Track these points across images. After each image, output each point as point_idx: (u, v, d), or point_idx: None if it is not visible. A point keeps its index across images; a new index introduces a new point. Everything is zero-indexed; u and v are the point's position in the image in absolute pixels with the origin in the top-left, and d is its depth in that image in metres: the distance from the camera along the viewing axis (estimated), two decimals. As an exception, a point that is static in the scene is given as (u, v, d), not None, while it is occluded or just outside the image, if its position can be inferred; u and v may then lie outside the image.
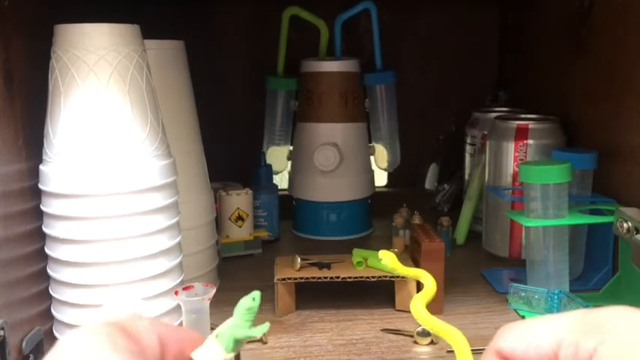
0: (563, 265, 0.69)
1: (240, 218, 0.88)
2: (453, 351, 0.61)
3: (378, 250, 0.73)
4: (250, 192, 0.89)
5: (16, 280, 0.57)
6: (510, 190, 0.82)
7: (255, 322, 0.30)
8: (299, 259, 0.71)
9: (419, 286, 0.70)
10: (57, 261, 0.57)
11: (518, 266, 0.81)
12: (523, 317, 0.62)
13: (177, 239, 0.61)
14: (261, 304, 0.30)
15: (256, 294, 0.30)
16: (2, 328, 0.51)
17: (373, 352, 0.62)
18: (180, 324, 0.59)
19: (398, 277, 0.69)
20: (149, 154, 0.57)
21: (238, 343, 0.29)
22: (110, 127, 0.55)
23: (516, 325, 0.26)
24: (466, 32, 1.11)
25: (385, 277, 0.69)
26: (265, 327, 0.30)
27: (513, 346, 0.25)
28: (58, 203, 0.56)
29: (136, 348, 0.25)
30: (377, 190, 1.06)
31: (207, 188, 0.78)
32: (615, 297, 0.69)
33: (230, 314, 0.31)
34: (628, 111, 0.71)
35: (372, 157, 1.04)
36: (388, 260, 0.57)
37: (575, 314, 0.25)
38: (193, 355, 0.27)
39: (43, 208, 0.57)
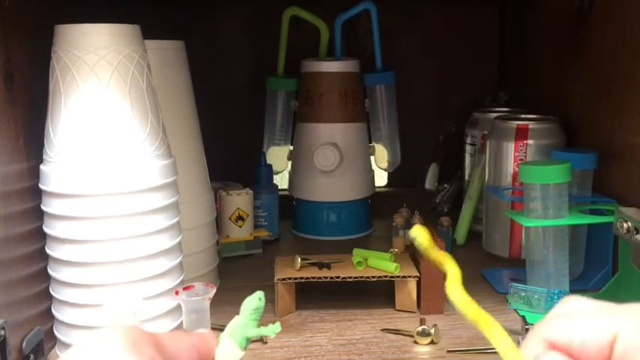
0: (563, 265, 0.69)
1: (240, 218, 0.88)
2: (453, 351, 0.61)
3: (378, 251, 0.74)
4: (250, 192, 0.89)
5: (17, 280, 0.57)
6: (510, 190, 0.82)
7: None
8: (299, 259, 0.71)
9: (419, 287, 0.70)
10: (57, 261, 0.57)
11: (518, 266, 0.81)
12: (523, 317, 0.62)
13: (178, 239, 0.61)
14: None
15: (261, 294, 0.32)
16: (3, 328, 0.51)
17: (373, 352, 0.62)
18: (181, 324, 0.59)
19: (398, 277, 0.69)
20: (149, 154, 0.57)
21: (248, 342, 0.31)
22: (111, 127, 0.55)
23: (571, 317, 0.25)
24: (466, 32, 1.11)
25: (385, 277, 0.69)
26: (277, 327, 0.32)
27: (569, 339, 0.24)
28: (58, 203, 0.56)
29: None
30: (377, 190, 1.06)
31: (208, 188, 0.78)
32: (615, 297, 0.69)
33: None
34: (628, 111, 0.71)
35: (372, 157, 1.04)
36: (422, 238, 0.51)
37: (627, 305, 0.24)
38: (217, 357, 0.29)
39: (43, 208, 0.57)
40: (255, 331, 0.31)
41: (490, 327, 0.30)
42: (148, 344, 0.25)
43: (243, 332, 0.31)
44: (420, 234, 0.52)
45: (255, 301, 0.31)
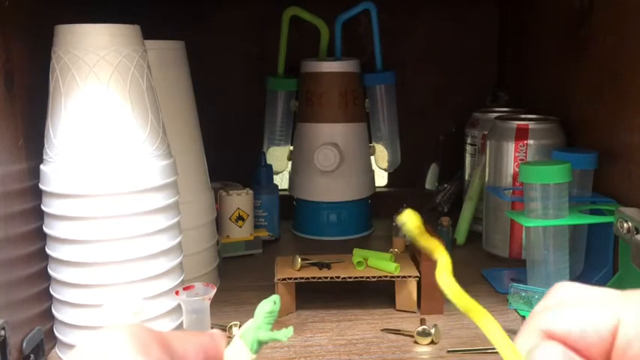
0: (563, 265, 0.69)
1: (240, 218, 0.88)
2: (453, 351, 0.61)
3: (378, 251, 0.74)
4: (251, 192, 0.89)
5: (17, 280, 0.57)
6: (510, 190, 0.82)
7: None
8: (299, 259, 0.71)
9: (419, 287, 0.70)
10: (57, 261, 0.57)
11: (518, 266, 0.81)
12: (523, 317, 0.62)
13: (178, 239, 0.61)
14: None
15: (277, 298, 0.31)
16: (3, 328, 0.51)
17: (373, 352, 0.62)
18: (181, 324, 0.59)
19: (398, 277, 0.69)
20: (150, 154, 0.57)
21: (261, 345, 0.30)
22: (111, 128, 0.55)
23: (569, 305, 0.24)
24: (466, 32, 1.11)
25: (385, 277, 0.69)
26: (290, 331, 0.31)
27: (567, 328, 0.23)
28: (58, 203, 0.56)
29: None
30: (377, 190, 1.06)
31: (208, 188, 0.78)
32: (615, 297, 0.69)
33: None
34: (628, 111, 0.71)
35: (372, 157, 1.04)
36: (412, 224, 0.52)
37: (627, 292, 0.24)
38: (226, 358, 0.28)
39: (43, 208, 0.57)
40: (267, 335, 0.31)
41: (482, 316, 0.30)
42: (156, 345, 0.24)
43: (255, 335, 0.30)
44: (410, 218, 0.52)
45: (270, 304, 0.31)
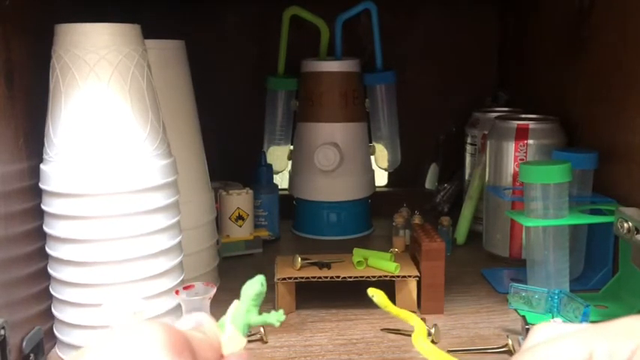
0: (563, 265, 0.69)
1: (240, 218, 0.88)
2: (453, 350, 0.61)
3: (378, 250, 0.74)
4: (251, 192, 0.89)
5: (17, 280, 0.57)
6: (510, 190, 0.82)
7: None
8: (299, 259, 0.71)
9: (419, 286, 0.70)
10: (57, 260, 0.57)
11: (518, 266, 0.81)
12: (523, 317, 0.62)
13: (178, 239, 0.61)
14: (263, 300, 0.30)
15: (262, 279, 0.30)
16: (3, 328, 0.51)
17: (373, 351, 0.62)
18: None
19: (398, 276, 0.69)
20: (150, 154, 0.57)
21: (250, 329, 0.29)
22: (111, 127, 0.55)
23: (545, 348, 0.25)
24: (466, 32, 1.11)
25: (385, 277, 0.69)
26: (280, 315, 0.30)
27: None
28: (58, 202, 0.56)
29: None
30: (377, 190, 1.06)
31: (208, 188, 0.78)
32: (615, 297, 0.69)
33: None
34: (628, 111, 0.71)
35: (372, 157, 1.04)
36: (378, 299, 0.57)
37: (599, 325, 0.25)
38: (224, 349, 0.28)
39: (43, 207, 0.57)
40: (258, 319, 0.29)
41: None
42: (188, 352, 0.24)
43: (245, 319, 0.29)
44: (377, 294, 0.55)
45: (257, 286, 0.30)
